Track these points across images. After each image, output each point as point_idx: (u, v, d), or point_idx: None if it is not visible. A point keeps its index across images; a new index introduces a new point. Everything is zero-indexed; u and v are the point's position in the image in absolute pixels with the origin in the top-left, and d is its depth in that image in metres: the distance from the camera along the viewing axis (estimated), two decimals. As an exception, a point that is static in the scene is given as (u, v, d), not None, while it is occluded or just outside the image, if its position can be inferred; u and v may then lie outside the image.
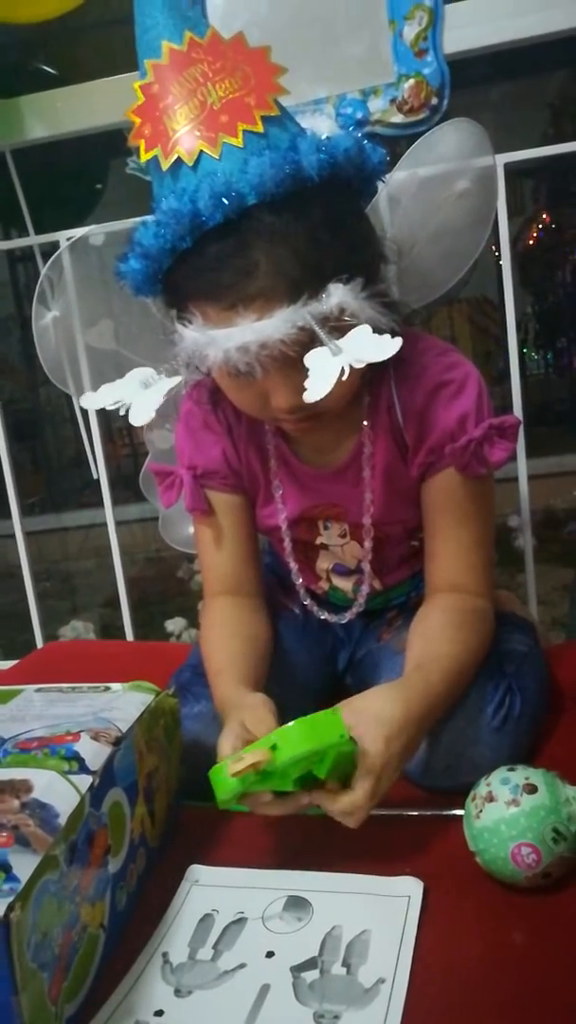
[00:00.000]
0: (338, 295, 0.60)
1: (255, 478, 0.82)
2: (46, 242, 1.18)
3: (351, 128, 0.64)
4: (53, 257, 1.04)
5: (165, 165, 0.63)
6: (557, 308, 3.45)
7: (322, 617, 0.85)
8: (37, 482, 3.12)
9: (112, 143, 1.11)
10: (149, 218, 0.64)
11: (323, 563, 0.86)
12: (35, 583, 1.35)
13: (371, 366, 0.60)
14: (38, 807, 0.51)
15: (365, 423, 0.76)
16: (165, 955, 0.56)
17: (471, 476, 0.73)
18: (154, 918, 0.59)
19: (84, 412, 1.22)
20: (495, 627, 0.76)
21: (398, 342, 0.59)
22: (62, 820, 0.50)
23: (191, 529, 1.12)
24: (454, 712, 0.69)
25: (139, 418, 0.65)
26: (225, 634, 0.79)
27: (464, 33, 1.05)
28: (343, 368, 0.58)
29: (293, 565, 0.84)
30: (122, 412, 0.66)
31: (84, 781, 0.54)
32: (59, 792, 0.52)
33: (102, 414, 1.20)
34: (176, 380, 0.66)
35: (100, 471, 1.23)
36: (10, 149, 1.26)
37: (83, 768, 0.55)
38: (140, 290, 0.67)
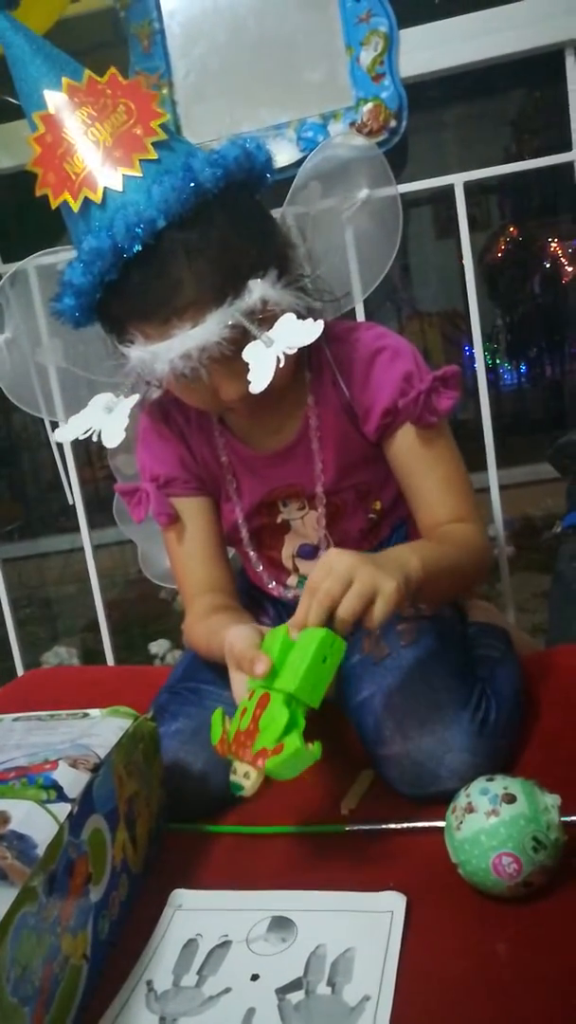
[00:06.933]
0: (259, 290, 0.66)
1: (213, 476, 0.86)
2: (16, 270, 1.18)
3: (242, 142, 0.69)
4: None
5: (75, 207, 0.67)
6: (529, 319, 3.51)
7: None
8: (14, 509, 3.09)
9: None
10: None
11: (288, 548, 0.88)
12: (15, 610, 1.34)
13: (305, 347, 0.65)
14: (15, 839, 0.50)
15: (310, 398, 0.81)
16: (149, 983, 0.55)
17: (425, 427, 0.79)
18: (138, 945, 0.58)
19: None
20: (469, 633, 0.77)
21: (320, 324, 0.64)
22: (40, 851, 0.50)
23: (168, 563, 1.13)
24: (431, 716, 0.69)
25: (111, 440, 0.70)
26: (215, 618, 0.81)
27: (420, 56, 1.08)
28: (278, 357, 0.64)
29: (253, 554, 0.87)
30: (95, 439, 0.70)
31: (63, 809, 0.53)
32: (37, 822, 0.52)
33: (78, 438, 1.21)
34: (135, 398, 0.71)
35: (75, 495, 1.23)
36: (-23, 180, 1.27)
37: (61, 796, 0.54)
38: (78, 323, 0.72)
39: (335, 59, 1.06)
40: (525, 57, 1.11)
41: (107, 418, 0.70)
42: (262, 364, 0.64)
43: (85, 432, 0.71)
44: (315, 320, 0.64)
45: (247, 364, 0.66)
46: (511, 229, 3.38)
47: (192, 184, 0.64)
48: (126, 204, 0.65)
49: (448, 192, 1.13)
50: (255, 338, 0.65)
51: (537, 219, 3.30)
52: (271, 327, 0.66)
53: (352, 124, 1.07)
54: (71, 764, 0.58)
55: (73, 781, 0.56)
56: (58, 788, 0.55)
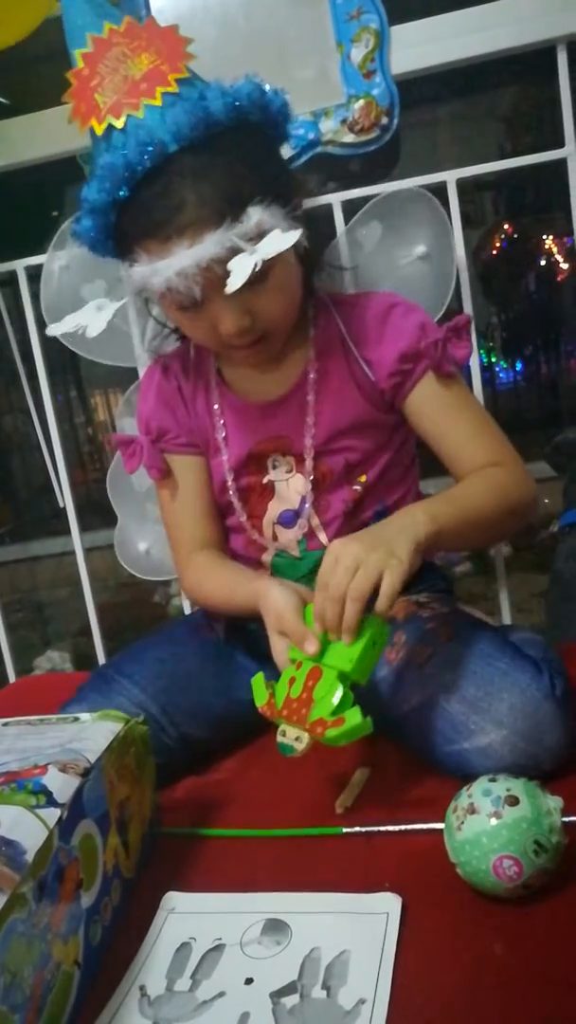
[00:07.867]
0: (256, 215, 0.70)
1: (204, 430, 0.89)
2: (3, 271, 1.18)
3: (258, 82, 0.73)
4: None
5: (99, 131, 0.72)
6: (524, 317, 3.50)
7: None
8: (5, 512, 3.07)
9: (68, 171, 1.12)
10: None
11: (270, 514, 0.89)
12: (6, 614, 1.33)
13: (310, 296, 0.74)
14: (4, 844, 0.49)
15: (312, 351, 0.84)
16: (142, 988, 0.54)
17: (444, 376, 0.83)
18: (131, 950, 0.58)
19: (48, 439, 1.21)
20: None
21: (298, 231, 0.68)
22: (29, 856, 0.49)
23: (142, 546, 1.16)
24: (516, 692, 0.67)
25: (94, 330, 0.76)
26: (225, 566, 0.87)
27: (411, 53, 1.07)
28: (256, 263, 0.67)
29: (238, 504, 0.89)
30: (80, 332, 0.77)
31: (52, 815, 0.53)
32: (26, 828, 0.51)
33: (70, 441, 1.21)
34: (124, 301, 0.79)
35: (66, 498, 1.22)
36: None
37: (51, 801, 0.54)
38: (95, 247, 0.77)
39: (326, 56, 1.05)
40: (517, 53, 1.10)
41: (95, 315, 0.76)
42: (239, 269, 0.68)
43: (75, 327, 0.76)
44: (294, 229, 0.68)
45: (244, 299, 0.72)
46: (506, 226, 3.38)
47: (203, 111, 0.69)
48: (141, 126, 0.70)
49: (441, 189, 1.12)
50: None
51: (532, 216, 3.29)
52: None
53: (343, 121, 1.06)
54: (61, 769, 0.57)
55: (63, 786, 0.55)
56: (47, 793, 0.54)
